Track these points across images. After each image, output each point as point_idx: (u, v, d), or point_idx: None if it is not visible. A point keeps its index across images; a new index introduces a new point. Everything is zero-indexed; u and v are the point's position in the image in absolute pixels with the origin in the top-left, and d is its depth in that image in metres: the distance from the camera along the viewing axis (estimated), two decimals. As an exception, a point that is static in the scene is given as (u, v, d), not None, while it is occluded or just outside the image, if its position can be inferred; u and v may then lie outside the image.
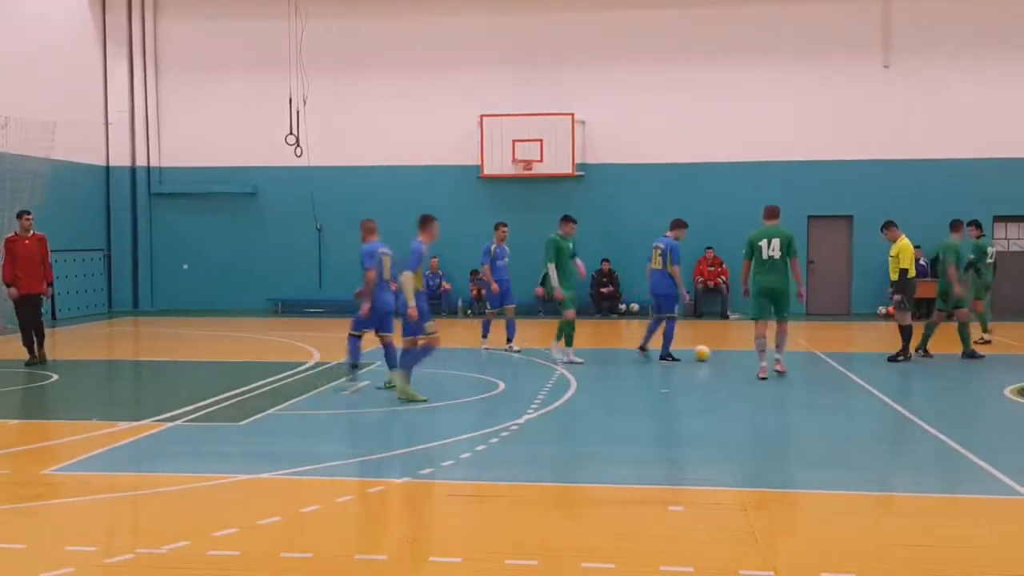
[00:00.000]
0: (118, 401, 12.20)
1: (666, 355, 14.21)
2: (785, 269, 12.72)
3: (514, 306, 15.67)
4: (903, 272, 14.13)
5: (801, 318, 16.16)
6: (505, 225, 15.96)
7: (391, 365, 11.60)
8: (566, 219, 14.36)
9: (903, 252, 14.16)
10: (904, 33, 21.64)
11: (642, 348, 14.60)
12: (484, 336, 15.64)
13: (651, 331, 14.57)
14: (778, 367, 12.93)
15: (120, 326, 20.92)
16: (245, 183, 23.45)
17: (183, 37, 23.68)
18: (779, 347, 13.01)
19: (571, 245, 14.20)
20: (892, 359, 14.24)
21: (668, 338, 14.27)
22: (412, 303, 10.60)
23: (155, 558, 5.79)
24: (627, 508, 6.99)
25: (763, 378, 12.52)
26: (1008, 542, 6.22)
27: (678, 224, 14.51)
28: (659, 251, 14.27)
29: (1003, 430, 10.00)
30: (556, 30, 22.50)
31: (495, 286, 15.34)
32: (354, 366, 11.87)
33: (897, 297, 14.19)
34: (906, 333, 14.21)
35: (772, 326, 13.00)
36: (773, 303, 12.85)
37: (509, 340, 15.43)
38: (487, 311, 15.94)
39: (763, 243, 12.72)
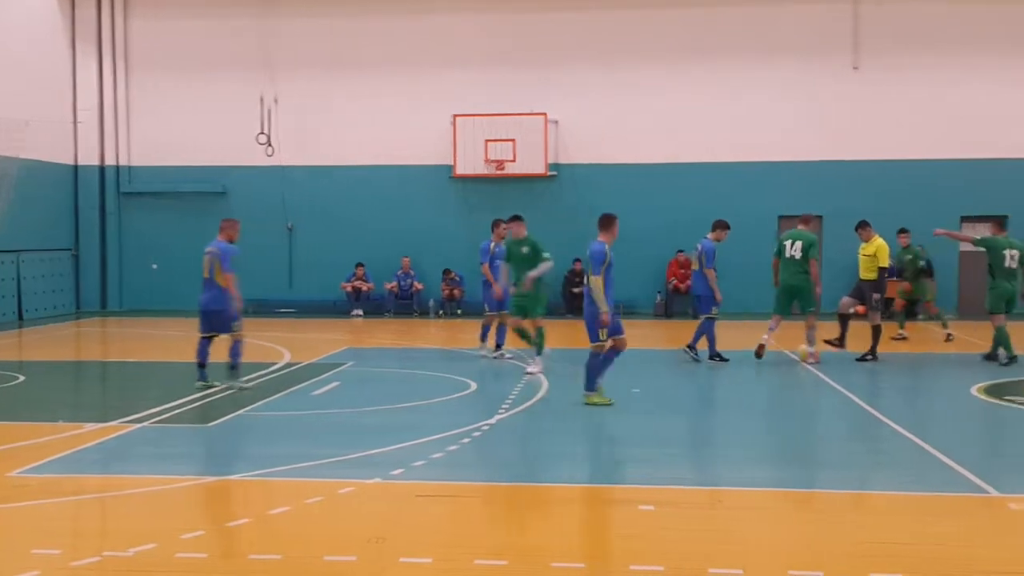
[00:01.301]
0: (85, 402, 12.09)
1: (714, 355, 14.11)
2: (804, 269, 13.77)
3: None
4: (882, 271, 14.29)
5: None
6: (505, 222, 14.53)
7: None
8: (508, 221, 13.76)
9: (880, 251, 14.31)
10: (875, 35, 21.78)
11: (690, 347, 14.21)
12: (483, 340, 14.74)
13: (698, 333, 14.27)
14: (811, 359, 13.81)
15: (88, 326, 20.71)
16: (215, 182, 23.27)
17: (153, 34, 23.43)
18: (809, 341, 13.95)
19: (524, 250, 13.11)
20: (860, 359, 14.32)
21: (709, 339, 14.09)
22: (604, 308, 10.30)
23: (122, 561, 5.74)
24: (597, 507, 7.00)
25: (759, 355, 13.73)
26: (975, 539, 6.27)
27: (717, 225, 14.42)
28: (696, 253, 14.32)
29: (970, 428, 10.10)
30: (530, 30, 22.48)
31: (498, 288, 14.06)
32: (201, 365, 11.79)
33: (876, 296, 14.29)
34: (876, 333, 14.32)
35: (784, 323, 14.07)
36: (794, 299, 13.96)
37: (499, 346, 14.62)
38: (486, 314, 14.70)
39: (787, 243, 13.98)
